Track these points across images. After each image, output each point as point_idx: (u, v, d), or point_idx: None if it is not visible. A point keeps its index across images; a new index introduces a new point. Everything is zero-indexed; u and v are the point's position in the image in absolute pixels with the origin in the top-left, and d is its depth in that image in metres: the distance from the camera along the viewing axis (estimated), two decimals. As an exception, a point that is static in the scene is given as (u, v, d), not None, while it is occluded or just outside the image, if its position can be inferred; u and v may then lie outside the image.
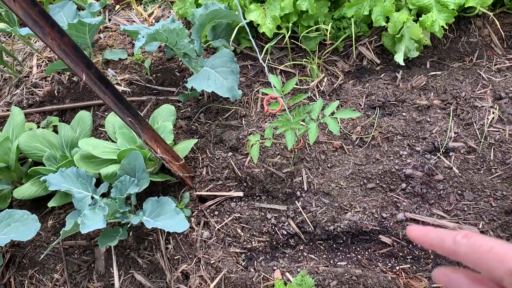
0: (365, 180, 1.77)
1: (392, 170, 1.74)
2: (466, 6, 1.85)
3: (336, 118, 1.58)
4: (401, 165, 1.75)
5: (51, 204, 1.89)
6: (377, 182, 1.76)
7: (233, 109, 2.12)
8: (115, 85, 1.53)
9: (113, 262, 1.83)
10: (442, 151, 1.77)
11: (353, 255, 1.71)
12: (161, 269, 1.77)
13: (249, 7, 2.08)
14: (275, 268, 1.68)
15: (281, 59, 2.24)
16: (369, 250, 1.70)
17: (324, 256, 1.72)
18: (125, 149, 1.74)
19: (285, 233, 1.75)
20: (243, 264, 1.74)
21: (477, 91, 1.88)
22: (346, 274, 1.58)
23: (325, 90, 2.07)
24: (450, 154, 1.76)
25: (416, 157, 1.76)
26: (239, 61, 2.24)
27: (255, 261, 1.74)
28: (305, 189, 1.80)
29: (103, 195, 1.79)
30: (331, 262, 1.70)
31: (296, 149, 1.85)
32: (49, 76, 2.59)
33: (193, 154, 2.04)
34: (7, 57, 2.76)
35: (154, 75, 2.40)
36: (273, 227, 1.77)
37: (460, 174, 1.71)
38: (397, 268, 1.64)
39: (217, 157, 1.97)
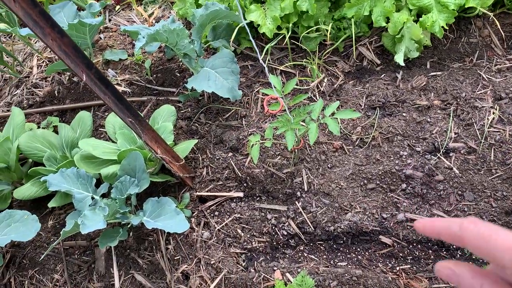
0: (365, 181, 1.77)
1: (392, 171, 1.74)
2: (466, 6, 1.85)
3: (337, 118, 1.58)
4: (401, 165, 1.75)
5: (51, 204, 1.89)
6: (378, 182, 1.76)
7: (233, 110, 2.12)
8: (115, 86, 1.53)
9: (113, 262, 1.83)
10: (442, 152, 1.77)
11: (354, 255, 1.71)
12: (161, 269, 1.77)
13: (250, 8, 2.08)
14: (275, 268, 1.68)
15: (281, 59, 2.24)
16: (370, 251, 1.70)
17: (325, 256, 1.72)
18: (126, 150, 1.74)
19: (285, 233, 1.75)
20: (243, 265, 1.74)
21: (477, 91, 1.88)
22: (346, 275, 1.58)
23: (325, 90, 2.07)
24: (451, 154, 1.76)
25: (416, 158, 1.76)
26: (239, 61, 2.24)
27: (256, 262, 1.74)
28: (305, 189, 1.80)
29: (103, 196, 1.79)
30: (332, 262, 1.70)
31: (296, 150, 1.85)
32: (49, 77, 2.60)
33: (193, 154, 2.04)
34: (7, 57, 2.76)
35: (155, 76, 2.40)
36: (273, 227, 1.77)
37: (460, 174, 1.71)
38: (398, 268, 1.64)
39: (217, 157, 1.97)
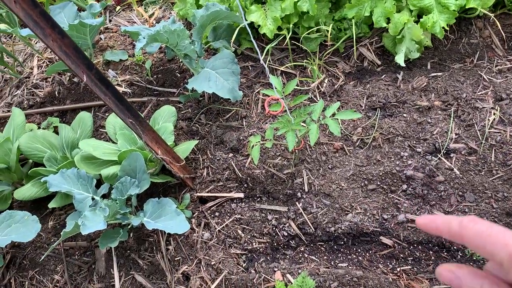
0: (366, 181, 1.77)
1: (393, 172, 1.74)
2: (467, 7, 1.85)
3: (337, 119, 1.58)
4: (402, 166, 1.75)
5: (51, 205, 1.89)
6: (378, 183, 1.75)
7: (233, 110, 2.12)
8: (115, 86, 1.53)
9: (114, 263, 1.83)
10: (443, 153, 1.77)
11: (354, 256, 1.70)
12: (162, 270, 1.77)
13: (250, 8, 2.08)
14: (275, 269, 1.67)
15: (282, 60, 2.24)
16: (370, 252, 1.70)
17: (325, 257, 1.72)
18: (126, 150, 1.74)
19: (285, 234, 1.75)
20: (243, 266, 1.74)
21: (478, 92, 1.88)
22: (347, 276, 1.58)
23: (326, 91, 2.07)
24: (451, 155, 1.76)
25: (417, 158, 1.76)
26: (239, 62, 2.24)
27: (256, 263, 1.74)
28: (306, 190, 1.80)
29: (104, 196, 1.79)
30: (332, 263, 1.70)
31: (297, 150, 1.85)
32: (50, 77, 2.60)
33: (194, 155, 2.04)
34: (7, 58, 2.76)
35: (155, 76, 2.40)
36: (274, 228, 1.77)
37: (461, 175, 1.70)
38: (398, 269, 1.63)
39: (217, 158, 1.97)
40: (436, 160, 1.75)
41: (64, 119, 2.39)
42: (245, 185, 1.89)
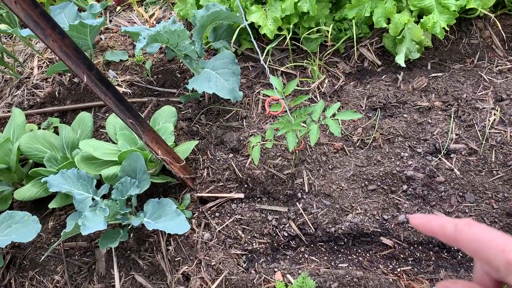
0: (366, 182, 1.77)
1: (393, 172, 1.74)
2: (467, 7, 1.85)
3: (337, 119, 1.58)
4: (402, 166, 1.75)
5: (51, 205, 1.89)
6: (378, 183, 1.75)
7: (234, 111, 2.12)
8: (116, 87, 1.53)
9: (114, 263, 1.83)
10: (443, 153, 1.76)
11: (354, 257, 1.70)
12: (162, 270, 1.77)
13: (250, 9, 2.08)
14: (276, 270, 1.67)
15: (282, 60, 2.24)
16: (370, 252, 1.70)
17: (325, 258, 1.72)
18: (126, 151, 1.74)
19: (286, 234, 1.75)
20: (244, 266, 1.74)
21: (478, 92, 1.88)
22: (347, 276, 1.58)
23: (326, 91, 2.07)
24: (451, 155, 1.76)
25: (417, 159, 1.76)
26: (240, 62, 2.24)
27: (256, 263, 1.74)
28: (306, 190, 1.80)
29: (104, 197, 1.79)
30: (332, 264, 1.70)
31: (297, 151, 1.85)
32: (50, 77, 2.60)
33: (194, 155, 2.03)
34: (8, 58, 2.76)
35: (155, 77, 2.40)
36: (274, 228, 1.76)
37: (461, 175, 1.70)
38: (398, 270, 1.63)
39: (218, 158, 1.97)
40: (436, 161, 1.75)
41: (64, 120, 2.39)
42: (245, 185, 1.88)
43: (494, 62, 1.98)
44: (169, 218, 1.62)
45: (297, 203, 1.78)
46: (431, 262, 1.63)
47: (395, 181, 1.74)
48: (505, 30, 2.01)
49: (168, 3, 2.81)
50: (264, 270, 1.68)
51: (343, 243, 1.73)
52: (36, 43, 2.85)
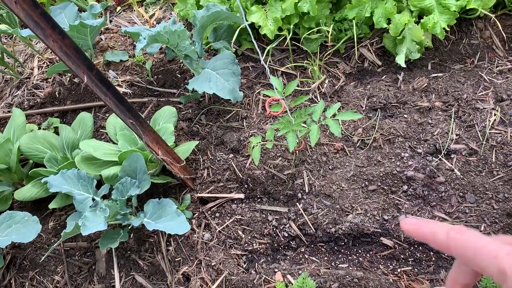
0: (366, 182, 1.77)
1: (393, 172, 1.74)
2: (467, 8, 1.85)
3: (338, 120, 1.58)
4: (402, 167, 1.75)
5: (52, 205, 1.89)
6: (379, 184, 1.75)
7: (234, 111, 2.12)
8: (116, 87, 1.53)
9: (114, 264, 1.82)
10: (444, 153, 1.76)
11: (355, 257, 1.70)
12: (162, 271, 1.77)
13: (251, 9, 2.08)
14: (276, 270, 1.67)
15: (282, 60, 2.24)
16: (371, 253, 1.70)
17: (326, 258, 1.72)
18: (126, 151, 1.74)
19: (286, 235, 1.75)
20: (244, 266, 1.74)
21: (479, 93, 1.88)
22: (347, 277, 1.58)
23: (327, 91, 2.07)
24: (452, 156, 1.76)
25: (417, 159, 1.76)
26: (240, 62, 2.24)
27: (256, 263, 1.73)
28: (306, 191, 1.80)
29: (104, 197, 1.79)
30: (333, 264, 1.70)
31: (297, 151, 1.85)
32: (50, 78, 2.60)
33: (194, 155, 2.03)
34: (8, 58, 2.76)
35: (155, 77, 2.40)
36: (274, 229, 1.76)
37: (461, 176, 1.70)
38: (399, 270, 1.63)
39: (218, 158, 1.97)
40: (436, 161, 1.74)
41: (65, 120, 2.39)
42: (246, 185, 1.88)
43: (495, 63, 1.98)
44: (169, 219, 1.62)
45: (298, 204, 1.78)
46: (432, 263, 1.63)
47: (396, 181, 1.74)
48: (505, 31, 2.01)
49: (169, 3, 2.81)
50: (264, 271, 1.68)
51: (343, 243, 1.73)
52: (36, 43, 2.85)
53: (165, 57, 2.46)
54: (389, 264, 1.66)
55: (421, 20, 1.89)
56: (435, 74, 2.01)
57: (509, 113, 1.79)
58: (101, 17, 2.84)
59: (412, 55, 1.99)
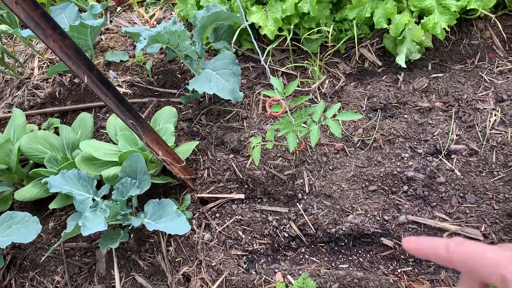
0: (366, 183, 1.77)
1: (394, 173, 1.74)
2: (468, 8, 1.85)
3: (338, 120, 1.58)
4: (403, 167, 1.75)
5: (52, 206, 1.89)
6: (379, 184, 1.75)
7: (234, 111, 2.12)
8: (116, 87, 1.53)
9: (114, 264, 1.82)
10: (444, 154, 1.76)
11: (355, 257, 1.70)
12: (162, 271, 1.77)
13: (251, 9, 2.08)
14: (276, 270, 1.67)
15: (283, 61, 2.24)
16: (371, 253, 1.70)
17: (326, 258, 1.72)
18: (127, 151, 1.74)
19: (286, 235, 1.74)
20: (244, 267, 1.74)
21: (479, 93, 1.88)
22: (347, 277, 1.58)
23: (327, 92, 2.07)
24: (452, 156, 1.76)
25: (418, 160, 1.76)
26: (240, 63, 2.24)
27: (257, 264, 1.73)
28: (307, 191, 1.79)
29: (104, 197, 1.79)
30: (333, 264, 1.70)
31: (297, 151, 1.85)
32: (51, 78, 2.60)
33: (195, 156, 2.03)
34: (8, 58, 2.76)
35: (156, 77, 2.40)
36: (275, 229, 1.76)
37: (462, 176, 1.70)
38: (399, 270, 1.63)
39: (218, 159, 1.97)
40: (437, 161, 1.74)
41: (65, 120, 2.39)
42: (246, 186, 1.88)
43: (495, 63, 1.98)
44: (169, 219, 1.62)
45: (298, 204, 1.78)
46: (432, 263, 1.63)
47: (396, 181, 1.74)
48: (505, 31, 2.01)
49: (169, 3, 2.81)
50: (264, 271, 1.68)
51: (343, 244, 1.72)
52: (37, 44, 2.85)
53: (165, 57, 2.46)
54: (389, 265, 1.66)
55: (422, 21, 1.89)
56: (436, 75, 2.01)
57: (509, 113, 1.78)
58: (101, 17, 2.84)
59: (413, 55, 1.99)
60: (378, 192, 1.75)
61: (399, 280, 1.59)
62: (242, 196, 1.86)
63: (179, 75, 2.37)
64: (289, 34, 2.10)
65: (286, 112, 1.65)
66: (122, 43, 2.64)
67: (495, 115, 1.80)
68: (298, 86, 2.11)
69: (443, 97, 1.91)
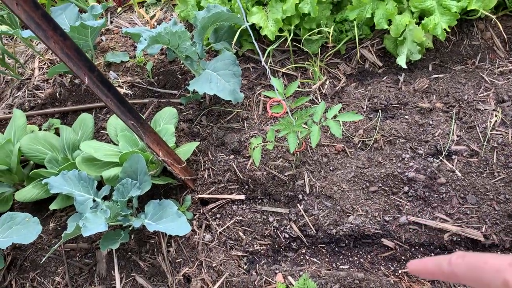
0: (367, 183, 1.77)
1: (394, 173, 1.74)
2: (468, 9, 1.85)
3: (339, 121, 1.58)
4: (403, 168, 1.75)
5: (52, 206, 1.89)
6: (380, 185, 1.75)
7: (235, 112, 2.12)
8: (117, 88, 1.53)
9: (115, 265, 1.82)
10: (445, 154, 1.76)
11: (356, 258, 1.70)
12: (163, 272, 1.77)
13: (251, 10, 2.08)
14: (277, 271, 1.67)
15: (283, 61, 2.24)
16: (372, 254, 1.69)
17: (326, 259, 1.72)
18: (127, 152, 1.74)
19: (287, 236, 1.74)
20: (245, 268, 1.74)
21: (480, 94, 1.88)
22: (348, 278, 1.58)
23: (327, 93, 2.07)
24: (453, 157, 1.75)
25: (418, 160, 1.76)
26: (241, 63, 2.24)
27: (257, 265, 1.73)
28: (307, 192, 1.79)
29: (105, 198, 1.79)
30: (334, 265, 1.70)
31: (298, 152, 1.85)
32: (51, 79, 2.60)
33: (195, 156, 2.03)
34: (9, 59, 2.76)
35: (156, 78, 2.40)
36: (275, 230, 1.76)
37: (462, 177, 1.70)
38: (400, 271, 1.63)
39: (219, 159, 1.97)
40: (437, 162, 1.74)
41: (65, 121, 2.39)
42: (246, 186, 1.88)
43: (496, 64, 1.98)
44: (170, 220, 1.62)
45: (298, 205, 1.78)
46: (433, 264, 1.62)
47: (396, 182, 1.73)
48: (506, 32, 2.01)
49: (169, 4, 2.81)
50: (265, 272, 1.68)
51: (344, 244, 1.72)
52: (37, 44, 2.85)
53: (166, 58, 2.46)
54: (390, 265, 1.66)
55: (422, 21, 1.89)
56: (436, 75, 2.00)
57: (510, 114, 1.78)
58: (102, 18, 2.84)
59: (413, 56, 1.99)
60: (379, 192, 1.75)
61: (400, 281, 1.59)
62: (242, 196, 1.86)
63: (179, 76, 2.37)
64: (290, 35, 2.10)
65: (287, 112, 1.65)
66: (122, 44, 2.64)
67: (495, 115, 1.79)
68: (298, 87, 2.11)
69: (443, 98, 1.91)
